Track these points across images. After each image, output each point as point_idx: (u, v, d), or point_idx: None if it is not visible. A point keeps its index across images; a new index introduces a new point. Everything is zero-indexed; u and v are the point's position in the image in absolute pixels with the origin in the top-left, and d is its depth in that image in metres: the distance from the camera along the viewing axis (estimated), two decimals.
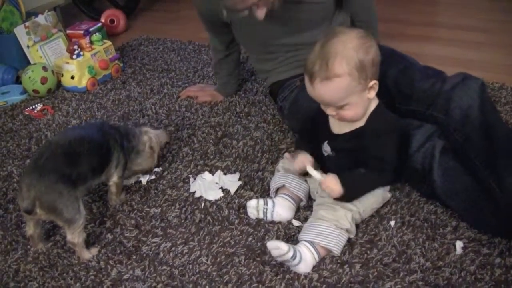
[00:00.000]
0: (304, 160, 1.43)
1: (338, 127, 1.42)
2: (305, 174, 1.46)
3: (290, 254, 1.27)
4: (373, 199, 1.43)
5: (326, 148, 1.45)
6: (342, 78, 1.26)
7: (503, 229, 1.32)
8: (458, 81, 1.43)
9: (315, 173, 1.38)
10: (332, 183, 1.34)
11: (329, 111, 1.35)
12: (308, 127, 1.53)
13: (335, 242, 1.32)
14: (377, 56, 1.31)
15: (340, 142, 1.42)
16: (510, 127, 1.71)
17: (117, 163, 1.52)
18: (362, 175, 1.38)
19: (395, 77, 1.51)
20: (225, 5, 1.51)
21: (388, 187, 1.49)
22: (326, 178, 1.36)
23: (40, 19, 2.53)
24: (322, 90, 1.29)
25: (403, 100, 1.50)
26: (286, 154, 1.60)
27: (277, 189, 1.53)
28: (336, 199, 1.36)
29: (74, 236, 1.37)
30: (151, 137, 1.66)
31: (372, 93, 1.33)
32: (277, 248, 1.28)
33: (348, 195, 1.36)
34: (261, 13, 1.50)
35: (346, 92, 1.28)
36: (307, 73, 1.29)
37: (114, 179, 1.54)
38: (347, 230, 1.35)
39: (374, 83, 1.31)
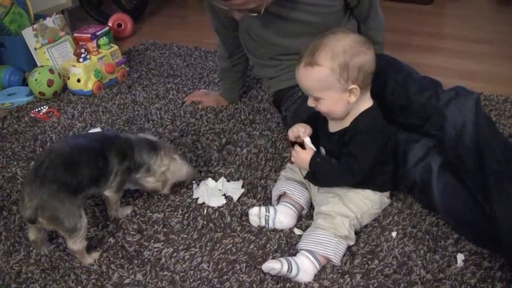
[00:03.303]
0: (301, 128, 1.45)
1: (332, 126, 1.44)
2: (293, 144, 1.49)
3: (285, 268, 1.28)
4: (370, 204, 1.43)
5: (322, 151, 1.47)
6: (322, 68, 1.30)
7: (502, 251, 1.32)
8: (453, 96, 1.43)
9: (310, 145, 1.43)
10: (303, 154, 1.41)
11: (309, 101, 1.39)
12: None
13: (333, 251, 1.33)
14: (368, 64, 1.33)
15: (331, 144, 1.44)
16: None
17: (113, 178, 1.46)
18: (331, 164, 1.40)
19: (392, 89, 1.51)
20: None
21: (387, 193, 1.50)
22: (303, 150, 1.43)
23: (48, 21, 2.55)
24: (302, 75, 1.34)
25: (401, 112, 1.50)
26: (289, 164, 1.61)
27: (279, 197, 1.53)
28: (306, 179, 1.47)
29: (75, 244, 1.37)
30: (171, 166, 1.56)
31: (353, 98, 1.33)
32: (271, 269, 1.30)
33: (311, 175, 1.43)
34: (238, 15, 1.54)
35: (323, 84, 1.32)
36: (299, 56, 1.35)
37: (106, 192, 1.49)
38: (346, 237, 1.36)
39: (354, 87, 1.32)
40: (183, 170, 1.61)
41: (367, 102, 1.39)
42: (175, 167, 1.58)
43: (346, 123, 1.39)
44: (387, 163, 1.45)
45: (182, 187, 1.68)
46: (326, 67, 1.30)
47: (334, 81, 1.31)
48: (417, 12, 3.23)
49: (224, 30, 1.93)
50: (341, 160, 1.38)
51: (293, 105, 1.78)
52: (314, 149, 1.42)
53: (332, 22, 1.73)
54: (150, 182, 1.56)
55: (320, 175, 1.42)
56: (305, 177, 1.49)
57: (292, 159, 1.46)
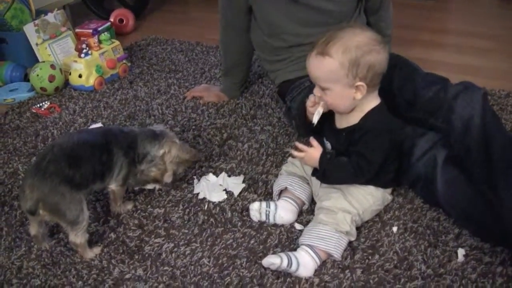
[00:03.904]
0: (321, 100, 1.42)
1: (339, 122, 1.44)
2: (304, 111, 1.50)
3: (285, 263, 1.29)
4: (372, 200, 1.43)
5: (327, 146, 1.47)
6: (332, 60, 1.30)
7: (506, 242, 1.32)
8: (461, 90, 1.43)
9: (316, 118, 1.41)
10: (311, 151, 1.41)
11: (315, 90, 1.39)
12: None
13: (335, 246, 1.33)
14: (380, 64, 1.32)
15: (337, 139, 1.44)
16: None
17: (118, 171, 1.47)
18: (342, 163, 1.40)
19: (399, 84, 1.52)
20: None
21: (389, 190, 1.50)
22: (311, 148, 1.42)
23: (50, 17, 2.55)
24: (313, 63, 1.35)
25: (407, 107, 1.51)
26: (290, 159, 1.61)
27: (280, 192, 1.53)
28: (315, 176, 1.46)
29: (77, 237, 1.37)
30: (170, 149, 1.55)
31: (359, 95, 1.33)
32: (271, 264, 1.30)
33: (321, 173, 1.42)
34: None
35: (331, 76, 1.32)
36: (313, 44, 1.36)
37: (112, 186, 1.50)
38: (347, 233, 1.36)
39: (361, 84, 1.32)
40: (184, 149, 1.60)
41: (374, 101, 1.39)
42: (175, 149, 1.57)
43: (354, 120, 1.39)
44: (393, 161, 1.45)
45: (183, 181, 1.68)
46: (337, 60, 1.30)
47: (342, 75, 1.31)
48: (421, 8, 3.22)
49: (235, 31, 1.96)
50: (351, 160, 1.37)
51: (299, 95, 1.77)
52: (315, 122, 1.41)
53: (348, 11, 1.76)
54: (153, 171, 1.55)
55: (330, 173, 1.41)
56: (312, 175, 1.48)
57: (298, 154, 1.44)
